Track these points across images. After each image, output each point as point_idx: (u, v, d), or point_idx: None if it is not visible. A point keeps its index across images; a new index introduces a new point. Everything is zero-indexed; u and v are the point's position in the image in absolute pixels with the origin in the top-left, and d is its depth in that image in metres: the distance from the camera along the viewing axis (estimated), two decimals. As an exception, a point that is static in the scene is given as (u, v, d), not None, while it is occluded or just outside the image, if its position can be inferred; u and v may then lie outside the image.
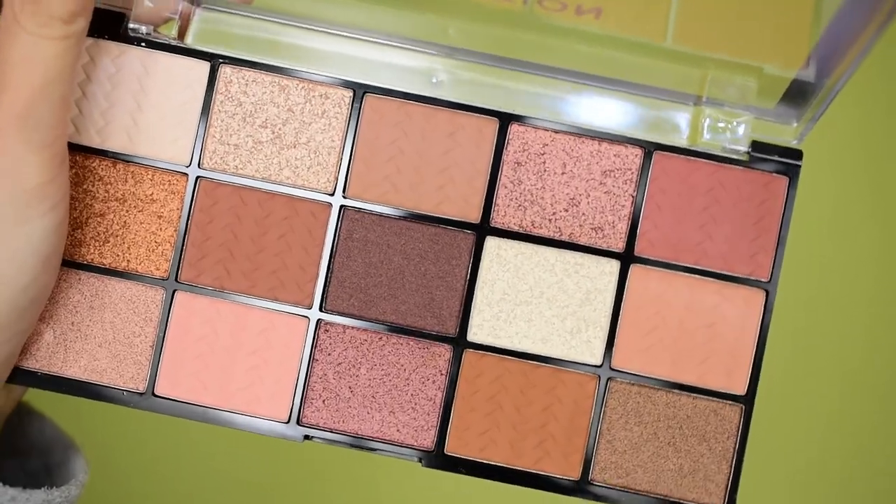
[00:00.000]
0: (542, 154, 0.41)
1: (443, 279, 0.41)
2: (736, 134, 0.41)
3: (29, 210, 0.36)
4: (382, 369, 0.41)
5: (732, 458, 0.41)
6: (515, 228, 0.41)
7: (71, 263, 0.41)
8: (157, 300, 0.41)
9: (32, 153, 0.35)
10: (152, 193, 0.41)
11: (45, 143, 0.36)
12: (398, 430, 0.41)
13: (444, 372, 0.41)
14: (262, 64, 0.41)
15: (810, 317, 0.83)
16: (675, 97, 0.42)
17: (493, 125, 0.41)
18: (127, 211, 0.41)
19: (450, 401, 0.41)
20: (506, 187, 0.41)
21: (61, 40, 0.35)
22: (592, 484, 0.41)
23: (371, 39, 0.42)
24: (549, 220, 0.41)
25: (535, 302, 0.41)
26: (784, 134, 0.41)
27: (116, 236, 0.41)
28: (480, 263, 0.41)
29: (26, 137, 0.35)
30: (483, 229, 0.41)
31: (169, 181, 0.41)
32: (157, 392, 0.41)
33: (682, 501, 0.41)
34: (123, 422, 0.81)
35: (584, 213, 0.41)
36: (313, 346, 0.41)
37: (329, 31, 0.42)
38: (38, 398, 0.44)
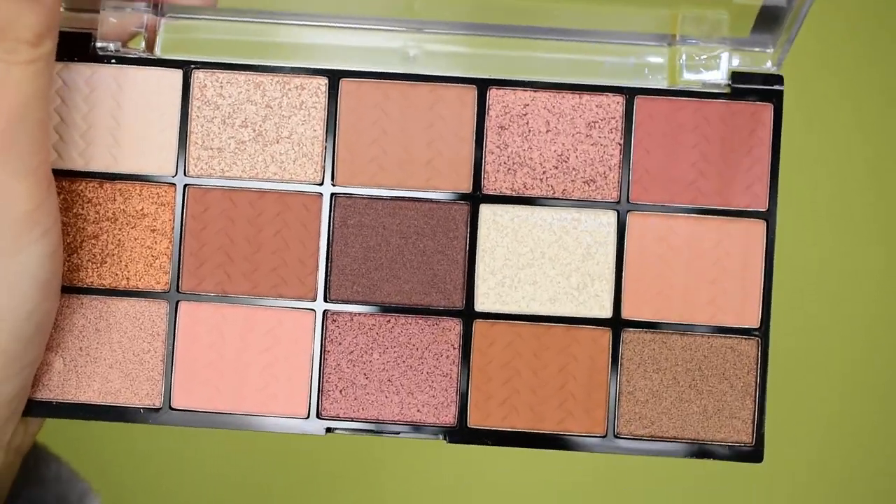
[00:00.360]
0: (525, 115, 0.41)
1: (443, 253, 0.41)
2: (714, 68, 0.41)
3: (21, 238, 0.36)
4: (395, 351, 0.41)
5: (755, 392, 0.41)
6: (508, 192, 0.41)
7: (71, 289, 0.41)
8: (161, 314, 0.41)
9: (17, 181, 0.36)
10: (142, 208, 0.41)
11: (29, 170, 0.36)
12: (418, 411, 0.41)
13: (456, 346, 0.41)
14: (234, 64, 0.41)
15: (814, 242, 0.82)
16: (650, 40, 0.42)
17: (471, 93, 0.41)
18: (120, 229, 0.41)
19: (466, 374, 0.41)
20: (493, 153, 0.41)
21: (31, 64, 0.35)
22: (619, 437, 0.41)
23: (339, 25, 0.42)
24: (541, 179, 0.41)
25: (538, 263, 0.41)
26: (762, 61, 0.41)
27: (113, 256, 0.41)
28: (478, 232, 0.41)
29: (9, 166, 0.35)
30: (476, 198, 0.41)
31: (157, 194, 0.41)
32: (173, 405, 0.41)
33: (710, 442, 0.41)
34: (130, 440, 0.81)
35: (574, 168, 0.41)
36: (323, 338, 0.41)
37: (296, 22, 0.42)
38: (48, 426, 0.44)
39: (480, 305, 0.41)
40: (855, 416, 0.83)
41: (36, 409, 0.41)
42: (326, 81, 0.41)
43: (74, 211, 0.41)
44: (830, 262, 0.82)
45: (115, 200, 0.41)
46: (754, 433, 0.41)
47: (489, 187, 0.41)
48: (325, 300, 0.41)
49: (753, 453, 0.41)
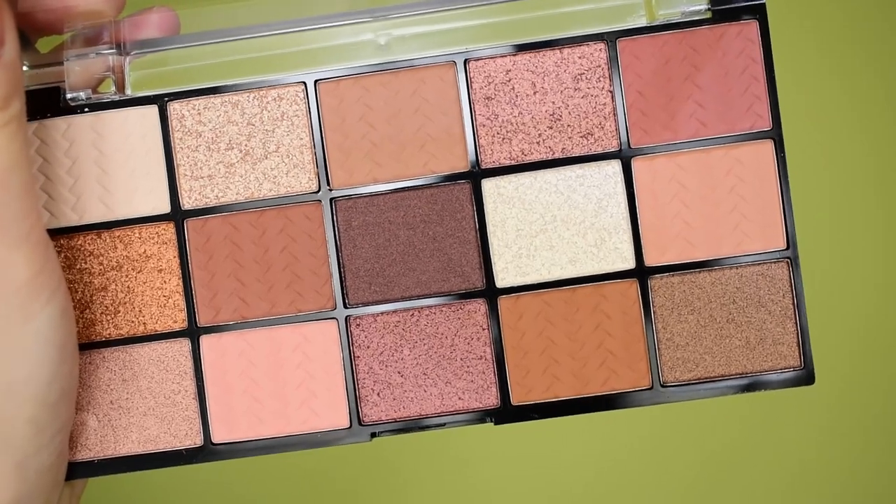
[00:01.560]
0: (508, 81, 0.42)
1: (453, 236, 0.42)
2: (690, -4, 0.41)
3: (29, 306, 0.37)
4: (425, 344, 0.42)
5: (795, 314, 0.41)
6: (507, 162, 0.42)
7: (90, 344, 0.42)
8: (184, 352, 0.42)
9: (12, 250, 0.36)
10: (145, 251, 0.42)
11: (22, 236, 0.36)
12: (460, 399, 0.42)
13: (485, 326, 0.42)
14: (207, 88, 0.42)
15: (826, 154, 0.82)
16: (619, -20, 0.42)
17: (451, 69, 0.42)
18: (126, 276, 0.42)
19: (500, 352, 0.42)
20: (484, 125, 0.42)
21: (3, 128, 0.36)
22: (666, 386, 0.41)
23: (304, 28, 0.42)
24: (537, 142, 0.42)
25: (551, 227, 0.41)
26: (738, -21, 0.42)
27: (125, 304, 0.42)
28: (485, 208, 0.41)
29: (2, 237, 0.36)
30: (476, 174, 0.41)
31: (157, 233, 0.42)
32: (214, 441, 0.42)
33: (759, 373, 0.41)
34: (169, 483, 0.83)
35: (568, 125, 0.42)
36: (350, 344, 0.42)
37: (262, 34, 0.42)
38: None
39: (502, 281, 0.41)
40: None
41: (78, 471, 0.41)
42: (303, 87, 0.42)
43: (78, 266, 0.42)
44: (847, 171, 0.82)
45: (116, 248, 0.42)
46: (801, 356, 0.41)
47: (487, 161, 0.41)
48: (345, 306, 0.42)
49: (804, 376, 0.41)
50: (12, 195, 0.36)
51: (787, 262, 0.41)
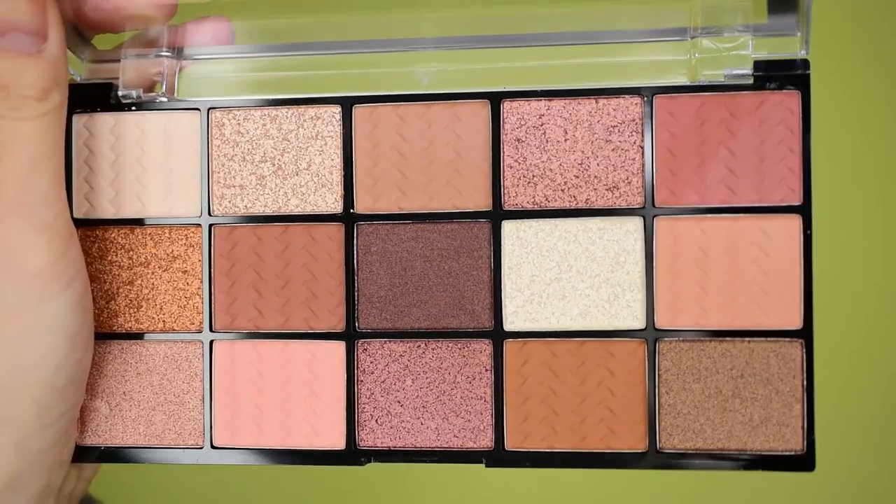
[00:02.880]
0: (541, 125, 0.50)
1: (468, 274, 0.50)
2: (736, 58, 0.48)
3: (44, 292, 0.47)
4: (427, 377, 0.50)
5: (803, 397, 0.48)
6: (529, 206, 0.50)
7: (111, 335, 0.53)
8: (197, 354, 0.52)
9: (34, 235, 0.47)
10: (173, 251, 0.52)
11: (46, 223, 0.47)
12: (455, 436, 0.50)
13: (488, 367, 0.50)
14: (250, 100, 0.52)
15: (853, 235, 0.89)
16: (666, 36, 0.49)
17: (485, 107, 0.51)
18: (153, 273, 0.52)
19: (500, 395, 0.50)
20: (511, 167, 0.50)
21: (39, 119, 0.46)
22: (662, 452, 0.49)
23: (350, 52, 0.51)
24: (562, 190, 0.49)
25: (566, 277, 0.49)
26: (788, 47, 0.48)
27: (148, 300, 0.52)
28: (502, 250, 0.51)
29: (24, 221, 0.47)
30: (497, 214, 0.51)
31: (186, 235, 0.52)
32: (215, 444, 0.52)
33: (758, 452, 0.47)
34: (179, 481, 0.98)
35: (595, 176, 0.49)
36: (355, 368, 0.50)
37: (306, 53, 0.51)
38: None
39: (510, 325, 0.50)
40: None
41: (86, 454, 0.53)
42: (339, 109, 0.50)
43: (109, 258, 0.52)
44: (872, 255, 0.88)
45: (146, 245, 0.52)
46: (804, 440, 0.48)
47: (510, 202, 0.50)
48: (355, 330, 0.51)
49: (805, 461, 0.48)
50: (41, 182, 0.46)
51: (801, 343, 0.48)
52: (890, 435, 0.96)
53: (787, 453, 0.49)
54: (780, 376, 0.49)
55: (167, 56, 0.53)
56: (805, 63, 0.49)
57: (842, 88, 0.93)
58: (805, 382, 0.49)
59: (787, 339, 0.49)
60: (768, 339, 0.49)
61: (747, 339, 0.49)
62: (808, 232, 0.49)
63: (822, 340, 0.50)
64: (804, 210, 0.49)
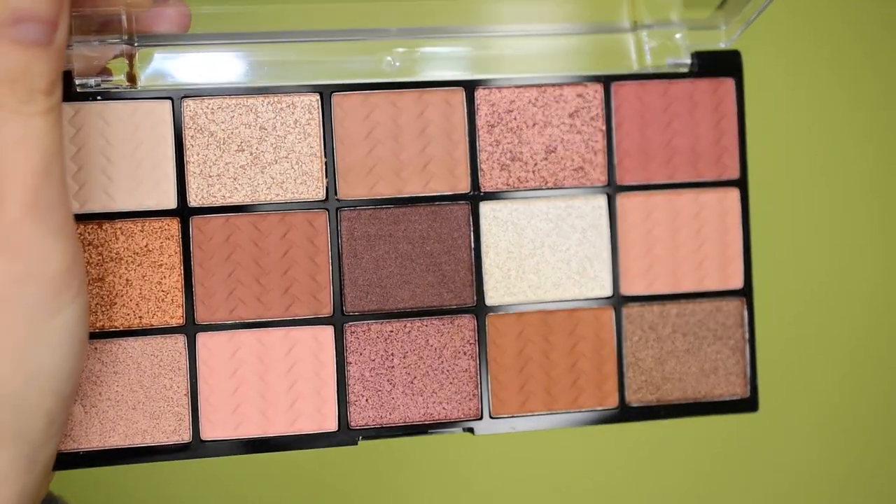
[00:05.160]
0: (511, 111, 0.56)
1: (449, 254, 0.55)
2: (675, 50, 0.56)
3: (60, 298, 0.47)
4: (415, 354, 0.55)
5: (745, 348, 0.58)
6: (504, 188, 0.56)
7: None
8: (179, 348, 0.53)
9: (52, 238, 0.46)
10: (146, 244, 0.52)
11: (60, 225, 0.46)
12: (443, 408, 0.55)
13: (472, 341, 0.55)
14: (223, 89, 0.53)
15: (785, 205, 1.09)
16: (613, 29, 0.56)
17: (459, 95, 0.56)
18: (126, 268, 0.52)
19: (484, 367, 0.55)
20: (486, 151, 0.55)
21: (48, 113, 0.45)
22: (630, 406, 0.57)
23: (316, 40, 0.54)
24: (533, 171, 0.55)
25: (539, 252, 0.56)
26: (716, 39, 0.56)
27: (122, 296, 0.52)
28: (480, 229, 0.56)
29: (43, 223, 0.46)
30: (475, 197, 0.56)
31: (160, 228, 0.52)
32: (203, 438, 0.53)
33: (710, 399, 0.56)
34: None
35: (563, 158, 0.56)
36: (345, 351, 0.54)
37: (277, 40, 0.53)
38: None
39: (490, 300, 0.56)
40: (841, 361, 1.16)
41: (64, 461, 0.52)
42: (318, 97, 0.53)
43: None
44: (804, 220, 1.09)
45: (117, 240, 0.52)
46: (748, 385, 0.57)
47: (486, 184, 0.55)
48: (342, 314, 0.54)
49: (749, 403, 0.57)
50: (53, 183, 0.46)
51: (743, 301, 0.57)
52: (825, 377, 1.16)
53: (735, 398, 0.58)
54: (726, 331, 0.58)
55: (118, 42, 0.53)
56: (737, 54, 0.58)
57: (772, 74, 1.10)
58: (748, 335, 0.58)
59: (731, 298, 0.58)
60: (715, 298, 0.58)
61: (698, 299, 0.58)
62: (746, 202, 0.58)
63: (761, 297, 0.59)
64: (741, 183, 0.58)
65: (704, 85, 0.58)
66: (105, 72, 0.54)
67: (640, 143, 0.57)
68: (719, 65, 0.58)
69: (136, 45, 0.54)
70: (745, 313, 0.59)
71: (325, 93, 0.55)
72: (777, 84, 1.13)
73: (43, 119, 0.45)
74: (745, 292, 0.59)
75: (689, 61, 0.58)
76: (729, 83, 0.58)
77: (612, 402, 0.57)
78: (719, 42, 0.58)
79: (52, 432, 0.50)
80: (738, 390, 0.59)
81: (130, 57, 0.54)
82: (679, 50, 0.58)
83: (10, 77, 0.44)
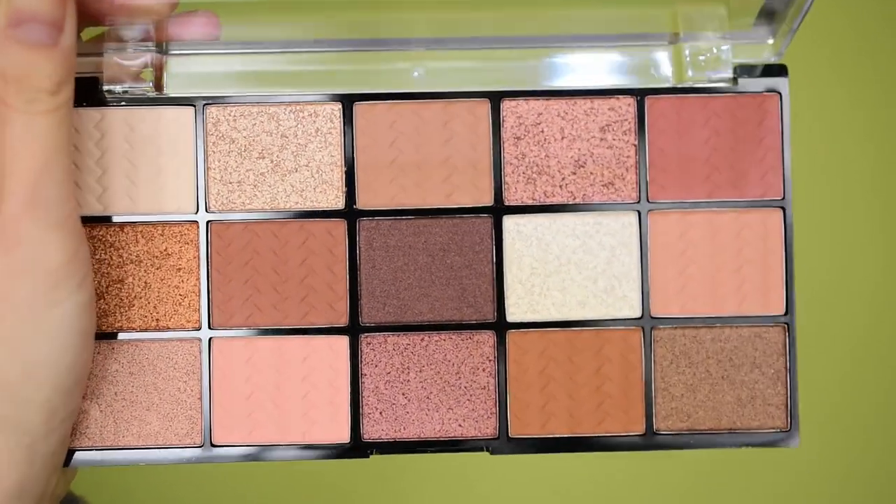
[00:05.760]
0: (539, 123, 0.55)
1: (470, 267, 0.54)
2: (718, 63, 0.54)
3: (59, 291, 0.49)
4: (431, 369, 0.54)
5: (786, 377, 0.55)
6: (529, 202, 0.55)
7: (101, 335, 0.55)
8: (194, 352, 0.54)
9: (49, 233, 0.48)
10: (166, 248, 0.53)
11: (60, 221, 0.48)
12: (459, 425, 0.54)
13: (491, 358, 0.54)
14: (246, 96, 0.54)
15: (831, 227, 1.02)
16: (653, 40, 0.54)
17: (484, 106, 0.55)
18: (145, 271, 0.54)
19: (503, 385, 0.54)
20: (511, 164, 0.55)
21: (53, 113, 0.47)
22: (658, 434, 0.55)
23: (343, 50, 0.54)
24: (560, 186, 0.54)
25: (565, 269, 0.54)
26: (762, 53, 0.54)
27: (140, 298, 0.53)
28: (503, 244, 0.55)
29: (41, 219, 0.48)
30: (498, 210, 0.55)
31: (180, 232, 0.54)
32: (214, 442, 0.54)
33: (746, 430, 0.54)
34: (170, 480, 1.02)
35: (592, 173, 0.54)
36: (359, 362, 0.54)
37: (303, 49, 0.54)
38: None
39: (511, 316, 0.55)
40: (888, 396, 1.06)
41: (77, 458, 0.53)
42: (340, 106, 0.54)
43: (98, 256, 0.54)
44: (849, 245, 1.01)
45: (137, 242, 0.53)
46: (788, 418, 0.54)
47: (510, 198, 0.55)
48: (358, 324, 0.55)
49: (789, 438, 0.55)
50: (54, 179, 0.48)
51: (784, 328, 0.54)
52: (868, 411, 1.10)
53: (773, 430, 0.56)
54: (765, 359, 0.56)
55: (151, 50, 0.55)
56: (783, 68, 0.56)
57: (818, 90, 1.06)
58: (788, 364, 0.56)
59: (771, 324, 0.56)
60: (754, 324, 0.56)
61: (735, 324, 0.56)
62: (789, 224, 0.56)
63: (804, 325, 0.56)
64: (785, 204, 0.56)
65: (747, 100, 0.56)
66: (133, 79, 0.56)
67: (676, 160, 0.56)
68: (764, 79, 0.56)
69: (164, 53, 0.56)
70: (787, 341, 0.56)
71: (347, 102, 0.55)
72: (822, 99, 1.07)
73: (46, 118, 0.47)
74: (787, 319, 0.56)
75: (731, 75, 0.56)
76: (774, 99, 0.56)
77: (639, 428, 0.56)
78: (766, 55, 0.56)
79: (53, 424, 0.51)
80: (778, 423, 0.56)
81: (159, 65, 0.56)
82: (722, 63, 0.56)
83: (16, 76, 0.46)
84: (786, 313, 0.56)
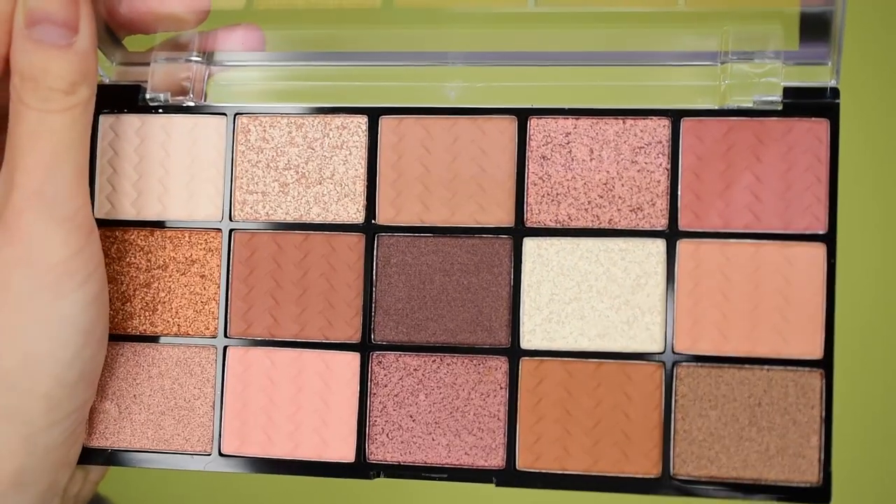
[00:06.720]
0: (567, 143, 0.53)
1: (487, 290, 0.53)
2: (766, 85, 0.51)
3: (60, 286, 0.50)
4: (441, 392, 0.53)
5: (821, 428, 0.50)
6: (552, 224, 0.53)
7: (125, 336, 0.56)
8: (210, 359, 0.55)
9: (54, 227, 0.50)
10: (191, 255, 0.55)
11: (66, 216, 0.50)
12: (466, 454, 0.52)
13: (503, 385, 0.53)
14: (277, 107, 0.55)
15: (877, 265, 0.92)
16: (698, 59, 0.52)
17: (512, 123, 0.54)
18: (170, 276, 0.55)
19: (514, 414, 0.52)
20: (535, 184, 0.53)
21: (66, 112, 0.49)
22: (675, 479, 0.51)
23: (378, 64, 0.54)
24: (585, 209, 0.52)
25: (585, 297, 0.52)
26: (818, 75, 0.51)
27: (164, 303, 0.55)
28: (522, 267, 0.54)
29: (46, 213, 0.50)
30: (519, 231, 0.54)
31: (206, 240, 0.55)
32: (223, 451, 0.55)
33: (773, 482, 0.50)
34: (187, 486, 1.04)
35: (619, 196, 0.52)
36: (369, 381, 0.53)
37: (337, 63, 0.54)
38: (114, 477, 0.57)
39: (527, 343, 0.53)
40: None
41: (92, 456, 0.56)
42: (366, 119, 0.54)
43: (127, 260, 0.55)
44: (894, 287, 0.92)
45: (165, 248, 0.55)
46: (821, 472, 0.50)
47: (532, 220, 0.53)
48: (370, 342, 0.54)
49: (821, 493, 0.50)
50: (63, 175, 0.50)
51: (821, 374, 0.50)
52: None
53: (803, 485, 0.51)
54: (798, 406, 0.52)
55: (197, 61, 0.57)
56: (835, 91, 0.52)
57: (870, 118, 0.99)
58: (824, 413, 0.51)
59: (807, 369, 0.52)
60: (788, 367, 0.52)
61: (766, 367, 0.52)
62: (832, 261, 0.52)
63: (842, 372, 0.52)
64: (829, 239, 0.52)
65: (794, 125, 0.52)
66: (176, 88, 0.57)
67: (714, 187, 0.52)
68: (813, 103, 0.52)
69: (210, 63, 0.57)
70: (823, 388, 0.51)
71: (374, 115, 0.55)
72: (872, 127, 0.96)
73: (59, 116, 0.49)
74: (825, 364, 0.51)
75: (779, 98, 0.52)
76: (823, 125, 0.52)
77: (655, 471, 0.52)
78: (822, 78, 0.52)
79: (55, 417, 0.53)
80: (809, 477, 0.51)
81: (202, 76, 0.57)
82: (772, 86, 0.53)
83: (31, 74, 0.49)
84: (824, 357, 0.51)
